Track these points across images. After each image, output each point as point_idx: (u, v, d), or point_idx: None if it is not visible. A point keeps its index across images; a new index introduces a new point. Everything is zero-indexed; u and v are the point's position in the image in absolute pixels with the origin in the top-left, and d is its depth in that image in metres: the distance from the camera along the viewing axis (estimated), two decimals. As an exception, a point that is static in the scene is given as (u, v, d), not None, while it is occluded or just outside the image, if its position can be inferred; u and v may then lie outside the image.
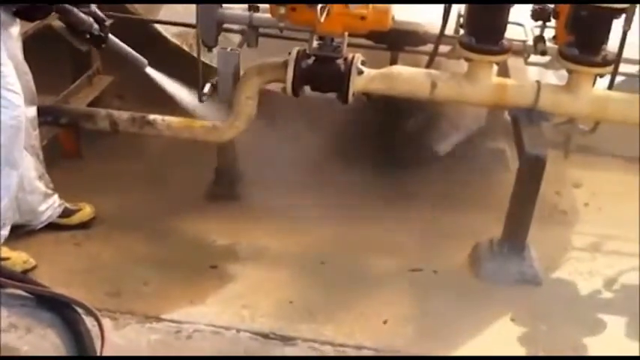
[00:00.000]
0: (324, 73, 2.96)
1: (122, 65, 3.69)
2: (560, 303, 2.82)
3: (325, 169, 3.53)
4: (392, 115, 3.62)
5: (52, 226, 2.98)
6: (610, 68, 2.91)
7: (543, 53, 3.10)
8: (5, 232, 2.72)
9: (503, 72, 3.27)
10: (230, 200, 3.36)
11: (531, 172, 2.85)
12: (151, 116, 3.15)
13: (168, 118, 3.16)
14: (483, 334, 2.62)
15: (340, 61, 2.95)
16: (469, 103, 3.10)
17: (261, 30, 3.14)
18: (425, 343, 2.53)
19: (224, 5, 3.08)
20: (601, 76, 2.93)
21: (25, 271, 2.71)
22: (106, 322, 2.48)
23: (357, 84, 2.97)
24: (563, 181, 3.66)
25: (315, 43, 2.95)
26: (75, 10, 2.69)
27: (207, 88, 3.17)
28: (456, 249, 3.10)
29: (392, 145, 3.62)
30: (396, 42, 3.48)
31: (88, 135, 3.43)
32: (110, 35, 2.90)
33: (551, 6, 3.01)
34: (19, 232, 2.84)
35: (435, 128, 3.70)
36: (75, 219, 3.04)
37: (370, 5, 2.87)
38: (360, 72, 2.98)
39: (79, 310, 2.49)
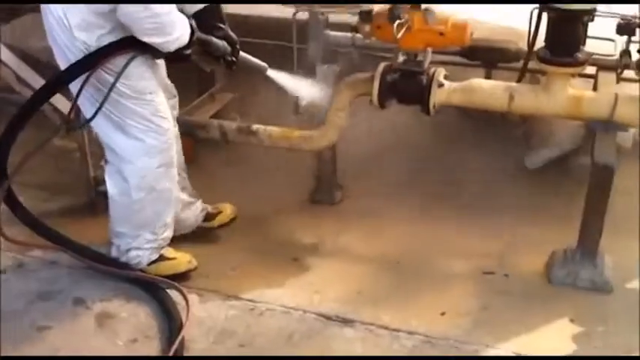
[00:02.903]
0: (407, 86, 3.18)
1: (244, 84, 4.18)
2: (627, 310, 2.82)
3: (419, 178, 3.75)
4: (484, 128, 3.80)
5: (198, 231, 3.25)
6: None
7: (627, 67, 3.15)
8: (169, 233, 3.01)
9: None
10: (328, 205, 3.65)
11: (600, 181, 2.91)
12: (255, 126, 3.50)
13: (270, 128, 3.50)
14: (538, 330, 2.71)
15: (423, 75, 3.17)
16: (546, 114, 3.20)
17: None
18: (476, 334, 2.66)
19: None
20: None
21: (189, 271, 3.01)
22: (193, 298, 2.85)
23: (439, 96, 3.16)
24: (660, 195, 3.62)
25: (401, 59, 3.21)
26: (213, 39, 2.82)
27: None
28: (534, 257, 3.18)
29: (483, 157, 3.77)
30: (490, 59, 3.66)
31: (205, 145, 3.85)
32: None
33: (637, 20, 3.07)
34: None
35: (528, 142, 3.82)
36: (216, 222, 3.29)
37: (449, 22, 3.09)
38: (441, 85, 3.18)
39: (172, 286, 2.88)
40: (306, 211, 3.60)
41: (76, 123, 2.94)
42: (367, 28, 3.16)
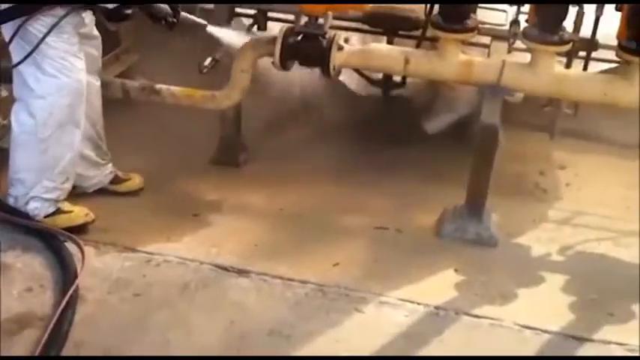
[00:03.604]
0: (308, 48, 3.25)
1: (149, 45, 4.17)
2: (508, 261, 3.01)
3: (323, 142, 3.86)
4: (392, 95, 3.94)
5: (102, 191, 3.31)
6: (567, 46, 3.10)
7: (516, 35, 3.31)
8: (68, 185, 3.02)
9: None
10: (231, 166, 3.71)
11: (485, 140, 3.07)
12: (158, 85, 3.52)
13: (173, 88, 3.51)
14: (424, 279, 2.84)
15: (323, 38, 3.25)
16: (439, 78, 3.35)
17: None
18: (366, 283, 2.77)
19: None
20: (560, 54, 3.14)
21: (86, 224, 3.03)
22: (90, 250, 2.86)
23: (338, 59, 3.26)
24: (549, 162, 3.84)
25: (303, 22, 3.29)
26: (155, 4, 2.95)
27: (208, 61, 3.57)
28: (427, 215, 3.33)
29: (387, 121, 3.90)
30: (391, 27, 3.78)
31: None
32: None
33: (528, -9, 3.22)
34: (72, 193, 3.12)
35: (429, 109, 3.97)
36: (123, 187, 3.36)
37: (349, -13, 3.18)
38: (341, 48, 3.28)
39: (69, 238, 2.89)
40: (210, 172, 3.65)
41: None
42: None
